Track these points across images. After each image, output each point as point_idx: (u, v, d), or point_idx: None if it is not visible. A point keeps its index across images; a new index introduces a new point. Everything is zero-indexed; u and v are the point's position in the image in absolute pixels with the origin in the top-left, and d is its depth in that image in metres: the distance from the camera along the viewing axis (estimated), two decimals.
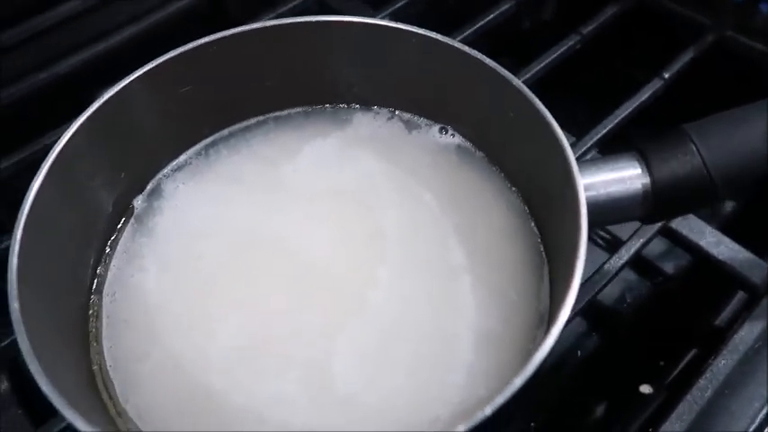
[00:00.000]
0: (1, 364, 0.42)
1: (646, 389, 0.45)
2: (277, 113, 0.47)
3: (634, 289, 0.52)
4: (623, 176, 0.34)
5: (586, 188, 0.33)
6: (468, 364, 0.35)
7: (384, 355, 0.36)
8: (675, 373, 0.46)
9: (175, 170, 0.45)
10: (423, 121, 0.46)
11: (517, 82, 0.37)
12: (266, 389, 0.35)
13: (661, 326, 0.50)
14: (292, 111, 0.47)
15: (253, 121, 0.47)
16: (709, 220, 0.46)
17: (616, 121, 0.49)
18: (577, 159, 0.34)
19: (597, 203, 0.34)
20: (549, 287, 0.38)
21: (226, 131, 0.47)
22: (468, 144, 0.45)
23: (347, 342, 0.36)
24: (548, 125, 0.35)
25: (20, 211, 0.33)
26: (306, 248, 0.40)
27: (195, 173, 0.45)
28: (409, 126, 0.46)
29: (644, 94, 0.51)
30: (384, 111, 0.47)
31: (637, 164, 0.34)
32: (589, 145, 0.49)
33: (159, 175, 0.45)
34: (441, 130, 0.46)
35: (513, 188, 0.43)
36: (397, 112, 0.47)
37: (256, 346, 0.37)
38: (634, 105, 0.50)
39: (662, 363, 0.46)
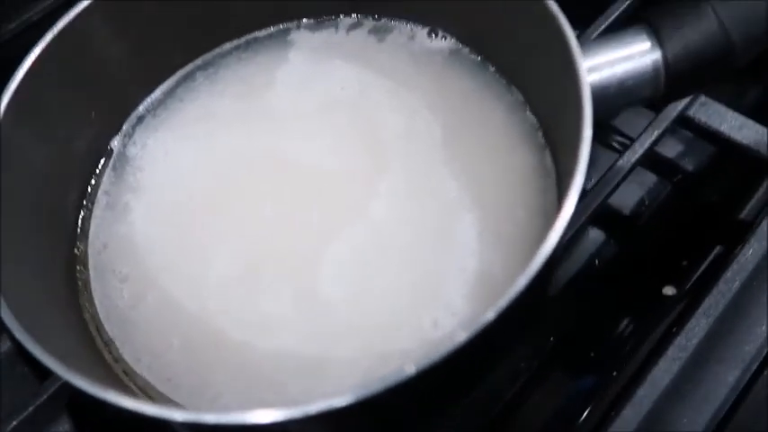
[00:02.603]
0: (3, 325, 0.41)
1: (669, 290, 0.42)
2: (247, 36, 0.44)
3: (652, 191, 0.49)
4: (631, 53, 0.31)
5: (589, 70, 0.30)
6: (453, 302, 0.33)
7: (370, 270, 0.35)
8: (700, 271, 0.43)
9: (151, 109, 0.42)
10: (409, 25, 0.42)
11: None
12: (261, 310, 0.34)
13: (683, 226, 0.47)
14: (264, 32, 0.44)
15: (227, 46, 0.44)
16: (729, 105, 0.42)
17: (625, 4, 0.44)
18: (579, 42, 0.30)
19: (602, 86, 0.31)
20: (556, 196, 0.35)
21: (199, 61, 0.43)
22: (458, 45, 0.41)
23: (338, 249, 0.35)
24: (540, 3, 0.31)
25: None
26: (301, 164, 0.38)
27: (172, 112, 0.42)
28: (392, 32, 0.42)
29: None
30: (365, 19, 0.43)
31: (646, 37, 0.31)
32: (594, 36, 0.44)
33: (135, 114, 0.42)
34: (429, 33, 0.42)
35: (513, 87, 0.39)
36: (379, 20, 0.43)
37: (253, 269, 0.36)
38: None
39: (685, 262, 0.44)
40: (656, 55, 0.31)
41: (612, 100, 0.31)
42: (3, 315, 0.28)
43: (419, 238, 0.35)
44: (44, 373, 0.39)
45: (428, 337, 0.32)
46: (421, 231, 0.35)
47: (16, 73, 0.34)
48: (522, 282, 0.24)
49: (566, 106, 0.32)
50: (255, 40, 0.44)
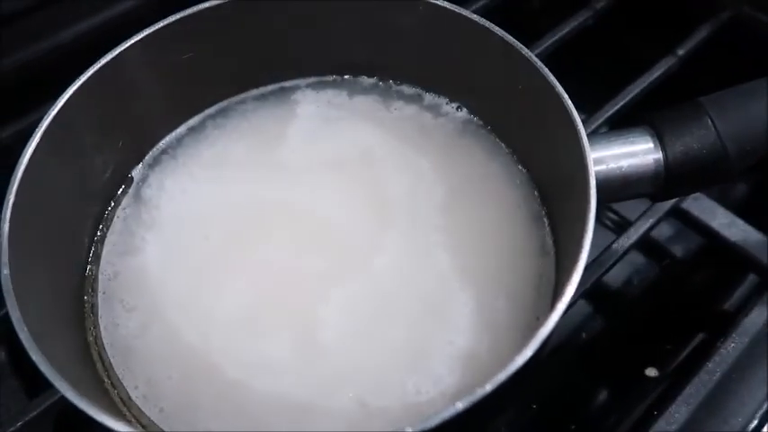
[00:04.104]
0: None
1: (651, 372, 0.44)
2: (281, 84, 0.46)
3: (641, 271, 0.51)
4: (635, 150, 0.33)
5: (596, 162, 0.32)
6: (437, 371, 0.34)
7: (365, 322, 0.36)
8: (682, 357, 0.45)
9: (173, 147, 0.44)
10: (427, 94, 0.45)
11: (527, 51, 0.36)
12: (260, 351, 0.35)
13: (668, 309, 0.49)
14: (294, 82, 0.46)
15: (253, 92, 0.46)
16: (720, 201, 0.45)
17: (628, 98, 0.48)
18: (587, 134, 0.33)
19: (607, 178, 0.33)
20: (554, 275, 0.37)
21: (225, 103, 0.45)
22: (472, 118, 0.44)
23: (339, 297, 0.37)
24: (557, 96, 0.34)
25: (12, 176, 0.32)
26: (309, 215, 0.40)
27: (189, 156, 0.43)
28: (409, 99, 0.45)
29: (657, 71, 0.50)
30: (384, 82, 0.46)
31: (649, 138, 0.33)
32: (599, 122, 0.47)
33: (157, 148, 0.44)
34: (447, 104, 0.44)
35: (520, 165, 0.41)
36: (400, 85, 0.46)
37: (257, 311, 0.37)
38: (647, 82, 0.49)
39: (668, 346, 0.45)
40: (658, 155, 0.33)
41: (615, 192, 0.33)
42: (15, 323, 0.29)
43: (413, 302, 0.37)
44: (34, 389, 0.40)
45: (410, 401, 0.34)
46: (416, 295, 0.37)
47: (57, 101, 0.35)
48: (519, 360, 0.25)
49: (571, 191, 0.34)
50: (276, 91, 0.46)
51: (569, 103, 0.33)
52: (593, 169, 0.31)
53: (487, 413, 0.33)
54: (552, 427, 0.44)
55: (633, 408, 0.43)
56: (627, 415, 0.43)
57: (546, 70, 0.35)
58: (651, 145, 0.33)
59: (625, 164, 0.33)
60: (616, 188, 0.33)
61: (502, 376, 0.25)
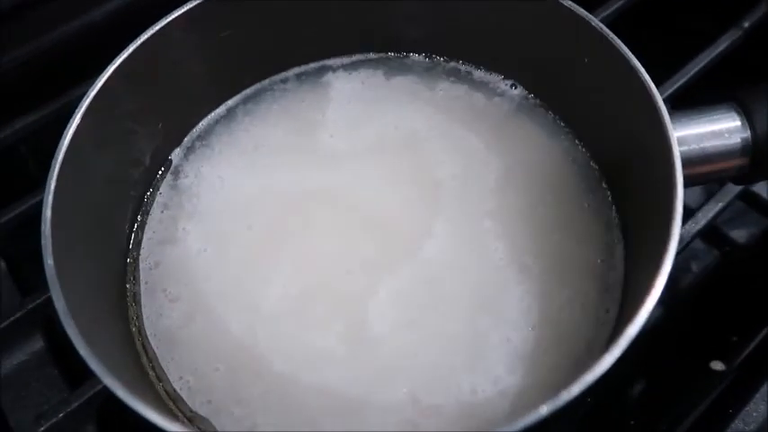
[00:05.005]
0: (36, 323, 0.41)
1: (717, 365, 0.41)
2: (315, 64, 0.44)
3: (700, 259, 0.48)
4: (720, 129, 0.30)
5: (679, 142, 0.29)
6: (493, 369, 0.32)
7: (418, 314, 0.34)
8: (750, 349, 0.42)
9: (207, 134, 0.42)
10: (478, 71, 0.42)
11: (596, 23, 0.33)
12: (309, 343, 0.34)
13: (731, 299, 0.46)
14: (336, 61, 0.44)
15: (293, 71, 0.44)
16: None
17: (692, 72, 0.45)
18: None
19: (690, 160, 0.30)
20: (622, 266, 0.34)
21: (266, 81, 0.43)
22: (529, 96, 0.41)
23: (388, 288, 0.35)
24: (632, 70, 0.31)
25: (53, 160, 0.31)
26: (356, 201, 0.38)
27: (225, 144, 0.41)
28: (457, 77, 0.42)
29: (721, 45, 0.46)
30: (432, 59, 0.43)
31: (736, 115, 0.30)
32: (668, 93, 0.44)
33: (194, 133, 0.42)
34: (501, 81, 0.42)
35: (583, 146, 0.39)
36: (450, 62, 0.43)
37: (305, 302, 0.35)
38: (711, 56, 0.46)
39: (734, 338, 0.43)
40: (746, 134, 0.30)
41: (697, 176, 0.31)
42: (61, 316, 0.27)
43: (466, 295, 0.35)
44: (75, 379, 0.39)
45: (465, 400, 0.32)
46: (469, 288, 0.35)
47: (97, 81, 0.34)
48: (608, 360, 0.23)
49: (645, 174, 0.31)
50: (313, 71, 0.44)
51: (647, 77, 0.31)
52: (678, 149, 0.29)
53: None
54: (610, 422, 0.42)
55: (698, 403, 0.41)
56: (690, 410, 0.40)
57: (619, 42, 0.32)
58: (738, 123, 0.30)
59: (709, 144, 0.30)
60: (698, 172, 0.31)
61: (589, 378, 0.23)
